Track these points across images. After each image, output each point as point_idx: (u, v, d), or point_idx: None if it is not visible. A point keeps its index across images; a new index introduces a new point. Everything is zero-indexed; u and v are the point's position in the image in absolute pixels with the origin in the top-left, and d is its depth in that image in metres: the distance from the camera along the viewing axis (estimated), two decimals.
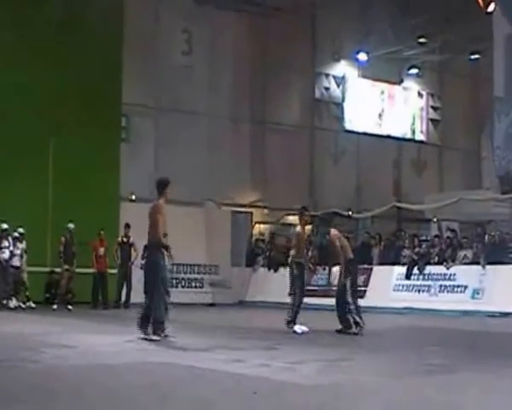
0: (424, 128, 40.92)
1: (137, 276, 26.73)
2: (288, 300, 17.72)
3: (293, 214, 35.27)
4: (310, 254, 30.76)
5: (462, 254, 26.39)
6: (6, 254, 25.65)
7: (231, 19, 34.36)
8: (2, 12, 27.13)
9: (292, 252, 18.06)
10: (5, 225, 25.57)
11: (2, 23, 27.28)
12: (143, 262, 16.50)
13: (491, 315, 22.29)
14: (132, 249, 26.19)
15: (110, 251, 26.39)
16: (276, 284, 30.46)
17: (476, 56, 35.99)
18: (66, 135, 26.87)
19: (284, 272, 30.80)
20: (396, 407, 7.37)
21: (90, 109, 27.58)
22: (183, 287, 30.28)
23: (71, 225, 25.38)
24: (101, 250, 26.31)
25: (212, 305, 29.36)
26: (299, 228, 18.26)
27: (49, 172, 26.70)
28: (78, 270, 25.89)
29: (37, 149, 26.69)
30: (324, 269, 29.59)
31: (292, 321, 16.67)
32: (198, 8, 33.17)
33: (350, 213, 32.76)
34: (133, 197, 30.00)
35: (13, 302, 25.58)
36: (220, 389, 8.38)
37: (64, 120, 27.22)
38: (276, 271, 31.15)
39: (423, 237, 28.98)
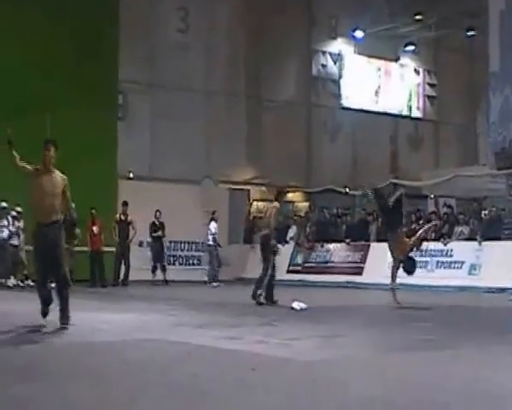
0: (421, 104, 41.02)
1: (135, 253, 27.07)
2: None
3: (292, 191, 35.71)
4: (307, 230, 30.98)
5: (458, 230, 26.46)
6: (5, 233, 25.71)
7: None
8: None
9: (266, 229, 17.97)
10: (4, 204, 25.60)
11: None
12: None
13: (488, 291, 22.36)
14: (130, 227, 26.26)
15: (108, 229, 26.42)
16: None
17: (472, 32, 35.96)
18: (63, 114, 26.71)
19: (281, 250, 31.04)
20: (389, 382, 7.38)
21: (86, 87, 27.52)
22: (180, 264, 30.39)
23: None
24: (95, 229, 26.32)
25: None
26: (276, 204, 18.42)
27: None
28: (76, 249, 25.93)
29: (35, 128, 26.66)
30: (322, 246, 29.85)
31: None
32: None
33: (347, 189, 32.78)
34: (131, 175, 30.01)
35: (11, 281, 25.65)
36: (217, 365, 8.40)
37: (61, 99, 27.12)
38: None
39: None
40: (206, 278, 28.10)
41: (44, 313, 11.65)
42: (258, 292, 17.41)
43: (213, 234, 27.95)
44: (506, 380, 7.53)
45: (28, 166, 11.54)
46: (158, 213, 27.75)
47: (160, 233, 27.79)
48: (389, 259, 17.83)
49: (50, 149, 11.60)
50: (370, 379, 7.53)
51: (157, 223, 27.93)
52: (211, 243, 28.03)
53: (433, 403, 6.37)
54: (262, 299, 17.27)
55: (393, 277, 17.18)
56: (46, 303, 11.59)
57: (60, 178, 11.64)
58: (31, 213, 11.85)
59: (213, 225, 27.97)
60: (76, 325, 11.65)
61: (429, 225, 21.57)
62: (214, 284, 27.23)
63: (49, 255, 11.43)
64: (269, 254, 18.10)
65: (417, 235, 17.88)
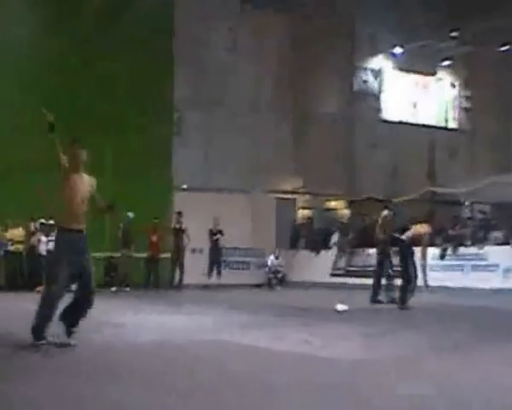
0: (456, 116, 40.76)
1: (189, 259, 27.32)
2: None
3: (335, 200, 35.72)
4: (349, 236, 30.99)
5: (493, 235, 26.34)
6: (51, 246, 25.94)
7: (274, 18, 34.41)
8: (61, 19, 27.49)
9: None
10: (52, 221, 25.82)
11: (56, 30, 27.58)
12: None
13: None
14: (184, 235, 26.47)
15: (165, 238, 26.71)
16: (317, 265, 30.70)
17: (505, 47, 35.68)
18: (124, 131, 27.13)
19: (324, 254, 31.13)
20: (431, 382, 7.29)
21: (145, 105, 27.93)
22: (230, 269, 30.55)
23: (129, 214, 25.69)
24: (154, 237, 26.62)
25: (258, 286, 29.47)
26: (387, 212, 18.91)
27: (109, 166, 27.00)
28: (135, 254, 26.30)
29: (98, 145, 26.93)
30: (363, 251, 29.83)
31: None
32: (243, 8, 33.31)
33: (387, 197, 32.71)
34: (185, 187, 30.21)
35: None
36: (261, 364, 8.43)
37: (122, 117, 27.50)
38: (317, 253, 31.33)
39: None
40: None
41: (43, 336, 9.47)
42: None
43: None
44: None
45: (67, 164, 9.75)
46: (216, 222, 28.00)
47: (218, 236, 28.12)
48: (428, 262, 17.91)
49: (81, 149, 9.92)
50: (412, 379, 7.49)
51: (215, 231, 28.17)
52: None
53: (473, 404, 6.31)
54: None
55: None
56: (50, 320, 9.55)
57: (89, 180, 10.03)
58: (59, 216, 9.94)
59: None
60: (130, 326, 11.77)
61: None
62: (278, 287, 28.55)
63: (78, 265, 9.75)
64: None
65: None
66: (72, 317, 9.76)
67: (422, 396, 6.50)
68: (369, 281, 26.95)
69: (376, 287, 18.65)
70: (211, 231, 28.15)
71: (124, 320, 13.39)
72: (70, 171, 9.72)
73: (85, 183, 9.84)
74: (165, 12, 29.88)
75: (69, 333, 9.71)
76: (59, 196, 9.76)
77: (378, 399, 6.47)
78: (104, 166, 27.10)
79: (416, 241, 17.42)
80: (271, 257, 29.56)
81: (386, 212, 19.51)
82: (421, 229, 17.51)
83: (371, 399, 6.45)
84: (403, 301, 16.87)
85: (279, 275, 29.52)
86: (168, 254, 26.69)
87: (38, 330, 9.41)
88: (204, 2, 32.23)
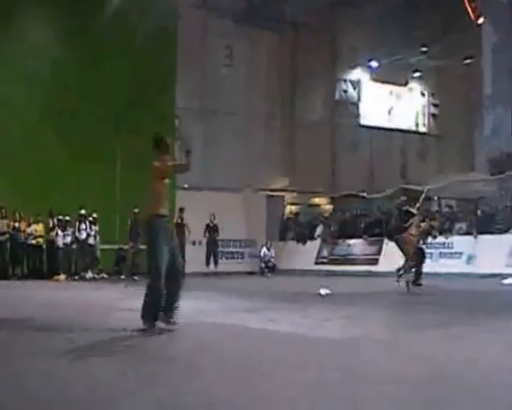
0: (426, 122, 40.88)
1: (189, 250, 27.31)
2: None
3: (318, 196, 35.78)
4: (332, 228, 31.05)
5: (458, 226, 26.42)
6: (83, 235, 26.05)
7: (265, 35, 34.57)
8: (75, 29, 27.41)
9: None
10: (83, 211, 25.96)
11: (71, 40, 27.55)
12: None
13: (483, 277, 22.33)
14: (186, 229, 26.44)
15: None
16: (303, 255, 30.74)
17: (469, 61, 35.75)
18: (130, 134, 27.06)
19: (309, 245, 31.17)
20: (406, 357, 7.38)
21: (150, 112, 27.82)
22: (226, 258, 30.58)
23: (136, 210, 25.68)
24: None
25: (251, 273, 29.51)
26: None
27: (117, 167, 27.01)
28: (141, 247, 26.23)
29: (107, 148, 26.98)
30: (344, 241, 29.93)
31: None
32: (238, 27, 33.35)
33: (364, 194, 32.78)
34: (186, 186, 30.19)
35: (88, 274, 26.00)
36: (255, 343, 8.42)
37: (128, 122, 27.45)
38: (304, 243, 31.39)
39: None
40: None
41: (155, 318, 9.27)
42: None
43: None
44: (501, 352, 7.60)
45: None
46: (213, 217, 28.20)
47: (215, 235, 28.37)
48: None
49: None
50: (390, 355, 7.53)
51: (211, 225, 28.33)
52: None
53: (444, 375, 6.31)
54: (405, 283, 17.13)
55: (405, 269, 17.20)
56: (159, 306, 9.30)
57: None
58: (151, 205, 9.46)
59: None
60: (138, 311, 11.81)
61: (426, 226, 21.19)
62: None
63: (172, 247, 9.49)
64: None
65: (420, 231, 17.84)
66: (166, 303, 9.37)
67: (394, 371, 6.52)
68: (350, 268, 27.26)
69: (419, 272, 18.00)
70: (207, 225, 28.36)
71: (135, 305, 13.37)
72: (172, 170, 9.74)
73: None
74: (170, 31, 29.84)
75: (166, 319, 9.35)
76: (151, 189, 9.48)
77: (360, 371, 6.49)
78: (114, 167, 27.22)
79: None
80: (264, 248, 29.61)
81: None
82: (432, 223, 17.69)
83: (354, 371, 6.49)
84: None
85: (270, 264, 29.58)
86: None
87: (148, 316, 9.22)
88: (204, 22, 32.28)
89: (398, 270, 17.35)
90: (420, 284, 17.47)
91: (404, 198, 19.20)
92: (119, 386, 5.89)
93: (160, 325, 9.27)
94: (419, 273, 17.59)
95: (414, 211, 17.52)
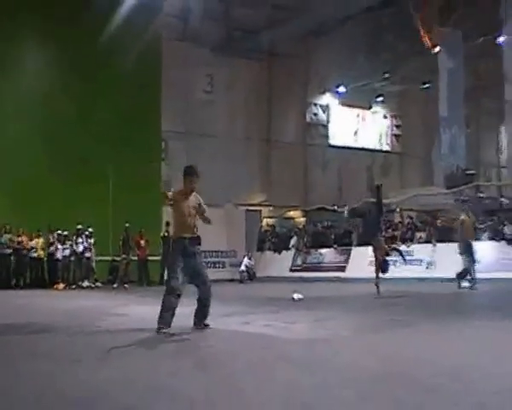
0: (389, 141, 41.16)
1: None
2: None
3: (293, 210, 35.86)
4: (305, 239, 31.15)
5: (418, 235, 26.58)
6: (80, 248, 26.06)
7: (243, 64, 34.64)
8: (62, 57, 27.45)
9: None
10: (79, 226, 25.98)
11: (62, 67, 27.61)
12: None
13: (441, 281, 22.41)
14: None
15: (157, 242, 26.63)
16: (279, 263, 30.76)
17: (427, 85, 36.09)
18: (121, 157, 27.11)
19: (285, 254, 31.22)
20: (371, 354, 7.32)
21: (137, 136, 27.89)
22: (209, 267, 30.49)
23: (127, 225, 25.75)
24: (142, 242, 26.62)
25: (231, 281, 29.50)
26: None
27: (110, 187, 27.01)
28: (132, 258, 26.31)
29: (101, 170, 26.97)
30: (316, 251, 30.03)
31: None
32: (217, 57, 33.47)
33: (334, 207, 32.93)
34: (171, 202, 30.16)
35: (85, 283, 25.98)
36: (232, 344, 8.40)
37: (119, 146, 27.49)
38: (279, 253, 31.45)
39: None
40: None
41: (162, 327, 9.26)
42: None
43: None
44: (460, 347, 7.67)
45: (171, 201, 9.85)
46: (195, 230, 28.14)
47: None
48: (370, 259, 17.76)
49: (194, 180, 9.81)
50: (356, 353, 7.49)
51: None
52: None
53: (404, 374, 6.16)
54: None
55: (377, 273, 17.28)
56: (172, 311, 9.42)
57: (195, 198, 9.93)
58: (174, 229, 10.14)
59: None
60: (128, 315, 11.73)
61: (395, 246, 21.36)
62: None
63: (190, 265, 9.75)
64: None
65: (390, 247, 18.05)
66: (197, 311, 9.85)
67: (359, 367, 6.48)
68: (321, 274, 27.28)
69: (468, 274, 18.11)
70: None
71: (127, 311, 13.41)
72: (176, 199, 9.79)
73: (191, 202, 9.85)
74: (155, 64, 29.96)
75: (197, 324, 9.75)
76: (173, 215, 9.97)
77: (325, 370, 6.41)
78: (107, 187, 27.20)
79: None
80: (246, 258, 29.58)
81: (463, 217, 18.97)
82: None
83: (319, 370, 6.40)
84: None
85: (251, 272, 29.57)
86: (157, 257, 26.62)
87: (162, 319, 9.29)
88: (185, 54, 32.34)
89: (459, 275, 17.45)
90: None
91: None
92: (112, 384, 5.93)
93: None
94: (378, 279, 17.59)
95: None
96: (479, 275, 18.73)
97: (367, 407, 4.89)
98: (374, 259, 17.44)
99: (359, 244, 27.19)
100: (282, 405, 5.06)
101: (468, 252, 18.18)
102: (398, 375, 6.03)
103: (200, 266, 10.02)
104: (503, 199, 31.70)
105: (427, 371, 6.20)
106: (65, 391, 5.60)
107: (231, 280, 29.24)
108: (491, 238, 23.39)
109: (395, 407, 4.87)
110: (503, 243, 23.68)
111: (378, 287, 16.84)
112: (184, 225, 9.85)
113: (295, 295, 15.16)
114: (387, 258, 17.50)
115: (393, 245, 20.10)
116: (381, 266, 17.13)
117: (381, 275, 17.21)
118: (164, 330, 9.12)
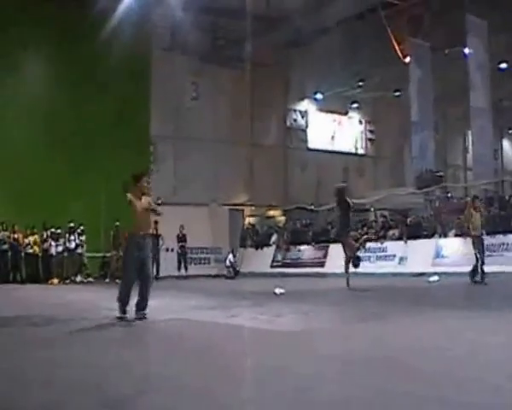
0: (364, 145, 41.22)
1: (164, 256, 27.22)
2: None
3: (273, 209, 35.83)
4: (285, 236, 31.12)
5: (391, 232, 26.65)
6: (73, 245, 25.91)
7: (227, 72, 34.52)
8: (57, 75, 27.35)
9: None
10: (72, 224, 25.85)
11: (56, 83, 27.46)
12: None
13: (412, 275, 22.53)
14: (160, 238, 26.36)
15: None
16: (261, 259, 30.71)
17: (398, 93, 36.16)
18: (112, 158, 26.98)
19: (266, 250, 31.20)
20: (349, 344, 7.34)
21: (129, 140, 27.82)
22: (195, 264, 30.52)
23: (117, 223, 25.61)
24: None
25: (216, 276, 29.45)
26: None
27: (102, 186, 26.85)
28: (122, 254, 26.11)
29: (94, 171, 26.84)
30: (295, 247, 30.01)
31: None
32: (203, 66, 33.40)
33: (312, 207, 32.96)
34: (159, 202, 30.06)
35: (78, 278, 25.86)
36: (220, 336, 8.37)
37: (110, 148, 27.37)
38: (261, 249, 31.42)
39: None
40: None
41: (122, 314, 9.86)
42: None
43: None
44: (430, 336, 7.65)
45: (133, 199, 10.19)
46: (181, 228, 28.17)
47: (183, 243, 28.30)
48: (343, 255, 17.81)
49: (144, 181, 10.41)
50: (336, 343, 7.51)
51: (181, 235, 28.28)
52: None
53: (383, 358, 6.28)
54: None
55: (346, 268, 17.31)
56: (127, 301, 9.89)
57: (147, 200, 10.33)
58: (130, 227, 10.31)
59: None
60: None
61: (367, 236, 21.53)
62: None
63: (140, 258, 9.99)
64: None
65: (360, 241, 18.14)
66: (138, 300, 10.05)
67: (338, 355, 6.46)
68: (301, 270, 27.25)
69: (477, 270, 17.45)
70: (178, 235, 28.34)
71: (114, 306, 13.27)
72: (135, 199, 10.25)
73: (146, 201, 10.30)
74: (145, 72, 29.97)
75: (136, 313, 9.97)
76: (131, 214, 10.27)
77: (307, 359, 6.40)
78: (99, 186, 27.04)
79: None
80: (230, 255, 29.39)
81: (474, 212, 17.84)
82: None
83: (303, 360, 6.36)
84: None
85: (236, 267, 29.37)
86: None
87: (120, 307, 9.87)
88: (173, 62, 32.22)
89: (472, 271, 17.32)
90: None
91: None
92: (104, 367, 5.90)
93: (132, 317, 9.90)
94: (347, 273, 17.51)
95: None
96: (446, 270, 18.78)
97: (361, 390, 4.81)
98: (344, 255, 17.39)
99: (336, 241, 27.13)
100: (275, 388, 5.03)
101: (478, 248, 17.72)
102: (383, 359, 5.99)
103: (148, 259, 10.28)
104: (468, 198, 31.76)
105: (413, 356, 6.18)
106: (69, 376, 5.66)
107: (216, 276, 29.21)
108: (458, 235, 23.42)
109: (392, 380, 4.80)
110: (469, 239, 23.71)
111: (348, 280, 16.93)
112: (140, 222, 10.26)
113: (277, 290, 15.07)
114: (358, 254, 17.52)
115: (366, 236, 20.15)
116: (353, 261, 17.15)
117: (352, 270, 17.23)
118: (119, 316, 9.77)
